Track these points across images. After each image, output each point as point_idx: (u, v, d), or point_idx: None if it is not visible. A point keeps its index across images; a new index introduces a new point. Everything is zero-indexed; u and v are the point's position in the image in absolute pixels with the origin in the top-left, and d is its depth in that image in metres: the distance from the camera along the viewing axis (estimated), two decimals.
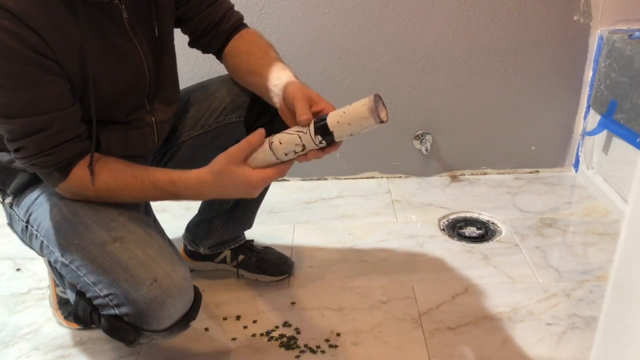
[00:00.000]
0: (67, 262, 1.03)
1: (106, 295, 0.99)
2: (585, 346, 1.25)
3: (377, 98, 0.90)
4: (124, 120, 1.11)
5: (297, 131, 0.95)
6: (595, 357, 0.57)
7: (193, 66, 1.85)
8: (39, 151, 0.97)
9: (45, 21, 0.91)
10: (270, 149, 0.96)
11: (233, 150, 0.98)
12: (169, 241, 1.10)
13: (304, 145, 0.95)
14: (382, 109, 0.90)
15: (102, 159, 1.04)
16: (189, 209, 1.77)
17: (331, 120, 0.92)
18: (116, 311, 0.99)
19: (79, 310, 1.07)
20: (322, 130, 0.92)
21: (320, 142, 0.93)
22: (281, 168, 0.98)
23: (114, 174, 1.03)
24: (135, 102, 1.12)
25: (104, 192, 1.03)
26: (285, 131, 0.97)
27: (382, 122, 0.89)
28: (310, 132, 0.93)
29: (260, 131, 0.98)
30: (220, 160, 0.99)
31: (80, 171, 1.01)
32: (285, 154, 0.96)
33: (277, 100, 1.07)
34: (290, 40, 1.84)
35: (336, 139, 0.93)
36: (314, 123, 0.93)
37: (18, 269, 1.59)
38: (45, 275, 1.50)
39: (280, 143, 0.95)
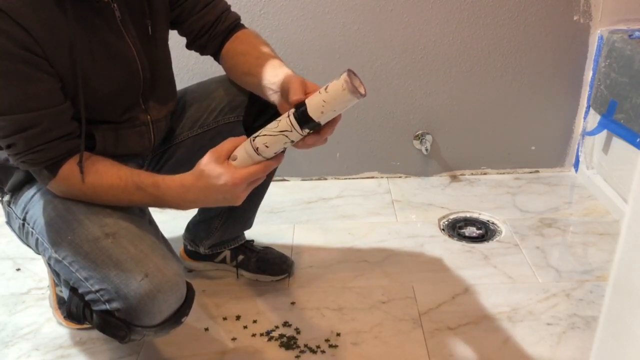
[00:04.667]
0: (60, 258, 1.03)
1: (97, 291, 0.99)
2: (585, 346, 1.25)
3: (352, 74, 0.87)
4: (119, 119, 1.11)
5: (281, 131, 0.93)
6: (595, 357, 0.57)
7: (193, 66, 1.85)
8: (28, 148, 0.97)
9: (35, 19, 0.91)
10: (257, 153, 0.95)
11: (215, 148, 0.97)
12: (163, 238, 1.10)
13: (291, 141, 0.94)
14: (359, 84, 0.88)
15: (91, 158, 1.03)
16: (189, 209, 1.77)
17: (312, 108, 0.90)
18: (107, 307, 0.99)
19: (72, 307, 1.06)
20: (304, 119, 0.91)
21: (307, 133, 0.92)
22: (266, 164, 0.96)
23: (100, 175, 1.02)
24: (129, 101, 1.11)
25: (90, 192, 1.03)
26: (267, 131, 0.95)
27: (362, 96, 0.87)
28: (293, 124, 0.91)
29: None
30: (202, 160, 0.98)
31: (68, 170, 1.01)
32: (275, 153, 0.96)
33: (275, 97, 1.06)
34: (290, 40, 1.84)
35: (320, 123, 0.91)
36: (296, 110, 0.92)
37: (18, 269, 1.59)
38: (45, 275, 1.50)
39: (267, 146, 0.94)
